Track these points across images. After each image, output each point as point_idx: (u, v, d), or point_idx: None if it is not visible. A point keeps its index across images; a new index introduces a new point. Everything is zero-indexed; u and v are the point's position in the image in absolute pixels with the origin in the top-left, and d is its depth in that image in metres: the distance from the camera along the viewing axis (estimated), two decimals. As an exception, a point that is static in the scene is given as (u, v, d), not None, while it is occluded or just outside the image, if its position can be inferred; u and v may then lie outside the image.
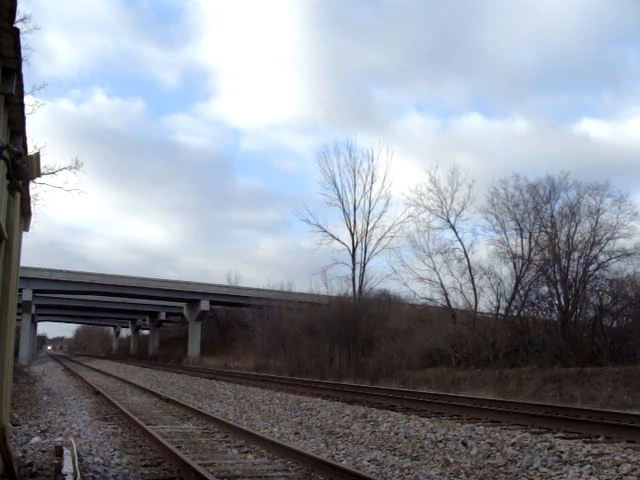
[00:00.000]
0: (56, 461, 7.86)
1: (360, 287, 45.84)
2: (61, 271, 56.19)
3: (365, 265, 46.37)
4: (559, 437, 10.04)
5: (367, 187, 47.03)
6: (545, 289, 29.21)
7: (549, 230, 29.52)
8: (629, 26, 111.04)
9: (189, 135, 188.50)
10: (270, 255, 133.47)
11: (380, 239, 46.04)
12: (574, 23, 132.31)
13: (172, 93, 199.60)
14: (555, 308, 28.24)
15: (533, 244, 30.16)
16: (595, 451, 8.53)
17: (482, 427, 11.17)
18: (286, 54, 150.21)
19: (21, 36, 5.05)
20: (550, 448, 8.91)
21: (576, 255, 28.00)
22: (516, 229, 30.71)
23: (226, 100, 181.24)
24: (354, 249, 46.65)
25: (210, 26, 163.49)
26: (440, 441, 10.03)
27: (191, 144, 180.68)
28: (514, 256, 30.50)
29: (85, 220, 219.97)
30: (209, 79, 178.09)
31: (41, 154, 8.56)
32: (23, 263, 10.13)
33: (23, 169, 5.69)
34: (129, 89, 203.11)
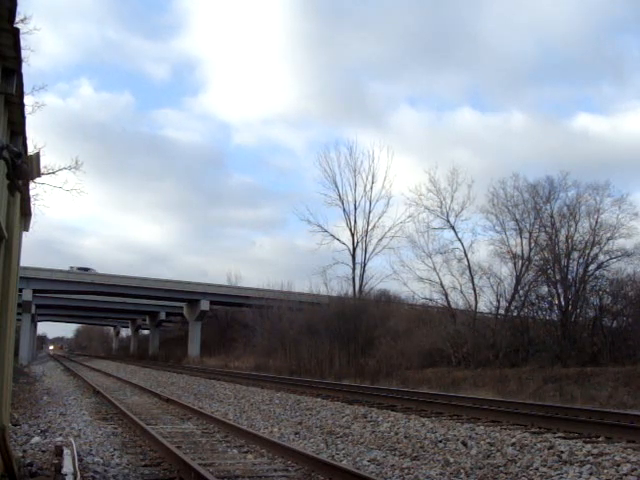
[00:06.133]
0: (56, 461, 7.86)
1: (360, 287, 45.94)
2: (61, 271, 56.28)
3: (365, 265, 46.54)
4: (559, 437, 10.03)
5: (368, 187, 47.23)
6: (545, 289, 29.25)
7: (549, 230, 29.56)
8: (630, 17, 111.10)
9: (179, 130, 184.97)
10: (267, 254, 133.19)
11: (380, 239, 46.21)
12: (574, 13, 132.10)
13: (161, 86, 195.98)
14: (555, 308, 28.27)
15: (533, 244, 30.19)
16: (595, 451, 8.53)
17: (482, 427, 11.17)
18: (277, 45, 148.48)
19: (21, 37, 5.04)
20: (550, 448, 8.90)
21: (576, 255, 28.06)
22: (516, 229, 30.76)
23: (216, 93, 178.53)
24: (354, 249, 46.79)
25: (199, 16, 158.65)
26: (440, 441, 10.02)
27: (181, 139, 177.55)
28: (514, 256, 30.53)
29: (78, 218, 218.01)
30: (198, 72, 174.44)
31: (41, 154, 8.56)
32: (23, 263, 10.13)
33: (23, 169, 5.69)
34: (117, 82, 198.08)
